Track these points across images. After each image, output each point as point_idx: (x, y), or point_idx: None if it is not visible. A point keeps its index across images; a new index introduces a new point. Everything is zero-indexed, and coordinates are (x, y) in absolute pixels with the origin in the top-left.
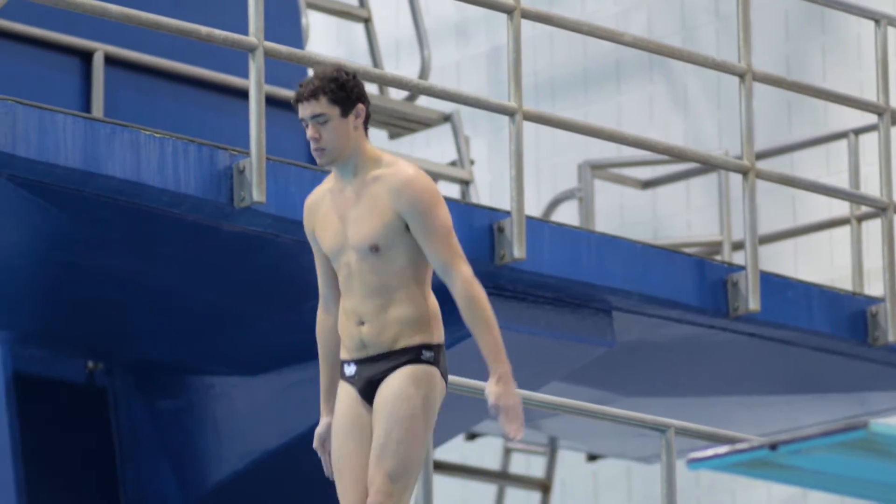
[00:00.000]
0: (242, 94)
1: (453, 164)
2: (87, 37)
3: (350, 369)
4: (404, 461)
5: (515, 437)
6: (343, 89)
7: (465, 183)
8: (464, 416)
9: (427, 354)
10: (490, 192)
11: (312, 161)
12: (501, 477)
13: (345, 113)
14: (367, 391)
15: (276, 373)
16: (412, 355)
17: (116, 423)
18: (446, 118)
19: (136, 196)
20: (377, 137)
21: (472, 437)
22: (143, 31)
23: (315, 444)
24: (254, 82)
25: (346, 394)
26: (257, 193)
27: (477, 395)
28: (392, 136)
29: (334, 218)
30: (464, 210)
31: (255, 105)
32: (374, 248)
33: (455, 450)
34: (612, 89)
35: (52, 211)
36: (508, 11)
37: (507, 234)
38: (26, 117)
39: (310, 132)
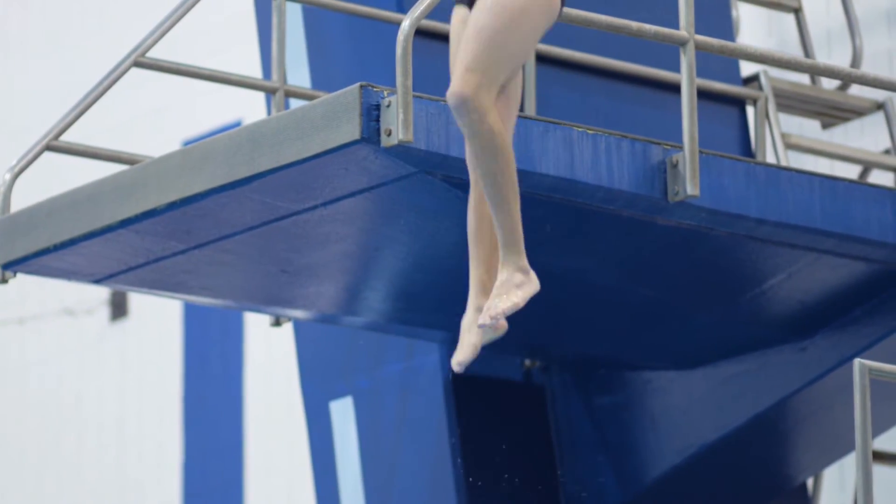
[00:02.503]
0: (674, 89)
1: (887, 152)
2: None
3: None
4: (489, 48)
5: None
6: None
7: None
8: None
9: None
10: None
11: (747, 154)
12: None
13: None
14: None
15: (713, 366)
16: None
17: (554, 420)
18: (879, 106)
19: (571, 193)
20: (809, 128)
21: None
22: (573, 28)
23: None
24: (685, 76)
25: (456, 17)
26: (691, 187)
27: None
28: (825, 126)
29: None
30: None
31: (687, 99)
32: None
33: (894, 440)
34: None
35: None
36: None
37: None
38: None
39: None
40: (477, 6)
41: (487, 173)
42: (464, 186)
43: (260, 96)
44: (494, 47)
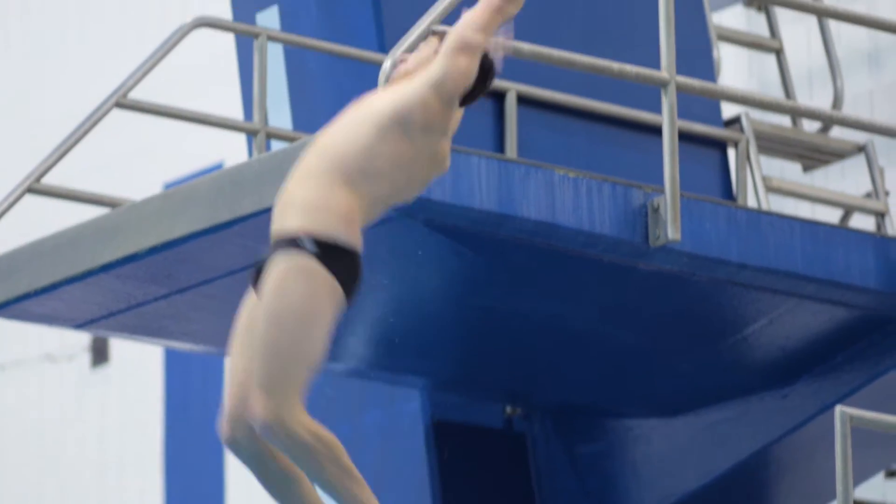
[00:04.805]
0: (655, 131)
1: (868, 195)
2: (499, 77)
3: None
4: (278, 366)
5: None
6: None
7: (881, 215)
8: (883, 452)
9: (309, 244)
10: None
11: (728, 196)
12: None
13: None
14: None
15: (694, 413)
16: (292, 243)
17: (535, 468)
18: (860, 149)
19: (552, 237)
20: (791, 170)
21: (892, 474)
22: (554, 69)
23: None
24: (667, 118)
25: (249, 296)
26: (672, 231)
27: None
28: (805, 169)
29: None
30: (879, 243)
31: (668, 141)
32: None
33: (875, 488)
34: None
35: (467, 255)
36: None
37: None
38: None
39: None
40: (260, 312)
41: (313, 474)
42: (445, 230)
43: (241, 138)
44: (286, 364)
